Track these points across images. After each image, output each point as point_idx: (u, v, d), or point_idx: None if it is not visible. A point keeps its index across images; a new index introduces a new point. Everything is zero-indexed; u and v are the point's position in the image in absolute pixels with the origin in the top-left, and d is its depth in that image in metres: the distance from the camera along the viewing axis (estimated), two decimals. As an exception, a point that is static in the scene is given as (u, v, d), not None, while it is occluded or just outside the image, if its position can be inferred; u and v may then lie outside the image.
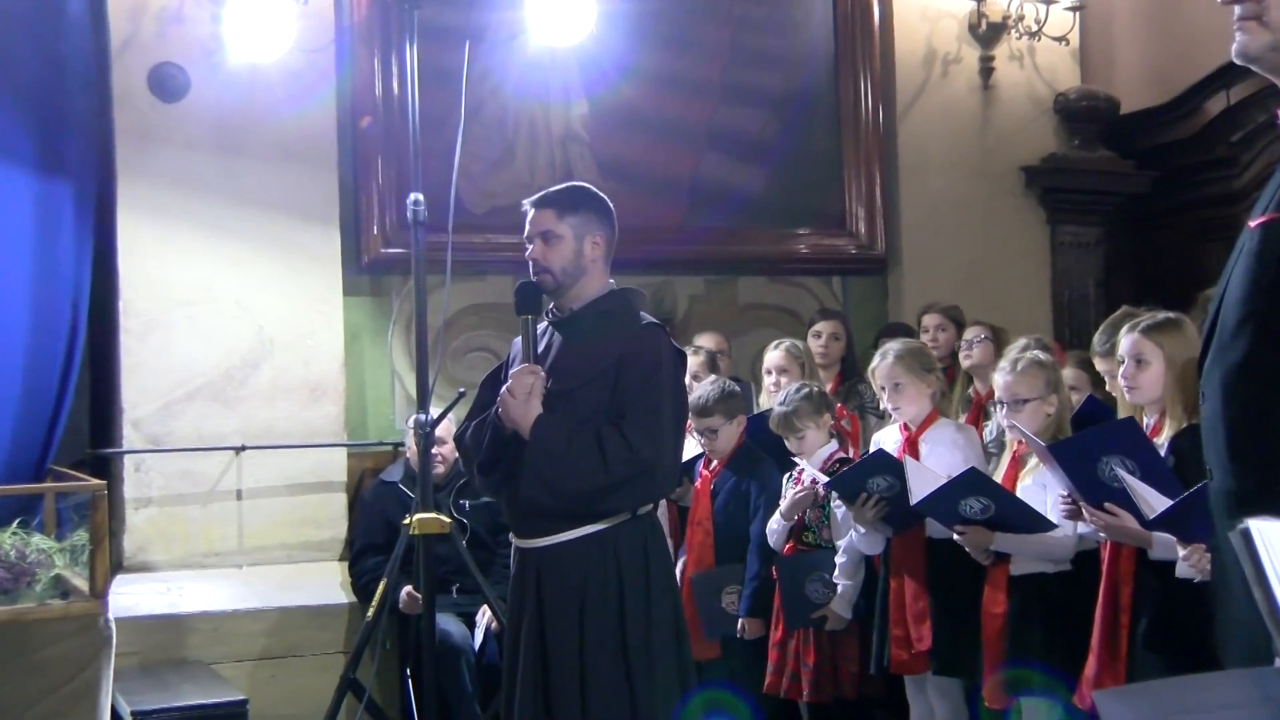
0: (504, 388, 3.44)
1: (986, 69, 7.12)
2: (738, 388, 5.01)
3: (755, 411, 5.23)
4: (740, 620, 4.73)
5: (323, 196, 5.96)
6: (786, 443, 4.66)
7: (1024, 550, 3.99)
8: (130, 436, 5.64)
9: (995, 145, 7.22)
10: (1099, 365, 4.29)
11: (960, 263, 7.05)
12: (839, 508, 4.53)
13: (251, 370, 5.82)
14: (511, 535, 3.68)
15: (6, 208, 5.30)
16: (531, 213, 3.57)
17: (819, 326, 5.84)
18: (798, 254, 7.02)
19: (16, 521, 4.67)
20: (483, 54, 6.23)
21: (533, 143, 6.61)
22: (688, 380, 5.28)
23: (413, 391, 5.83)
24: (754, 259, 6.94)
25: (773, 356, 5.28)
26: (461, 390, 4.58)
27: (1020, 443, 4.04)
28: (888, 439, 4.54)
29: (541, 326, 3.60)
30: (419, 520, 4.36)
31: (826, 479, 4.44)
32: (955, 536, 4.06)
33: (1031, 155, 7.26)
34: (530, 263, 3.54)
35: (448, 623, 5.16)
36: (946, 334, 5.67)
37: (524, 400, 3.37)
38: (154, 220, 5.70)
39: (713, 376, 5.13)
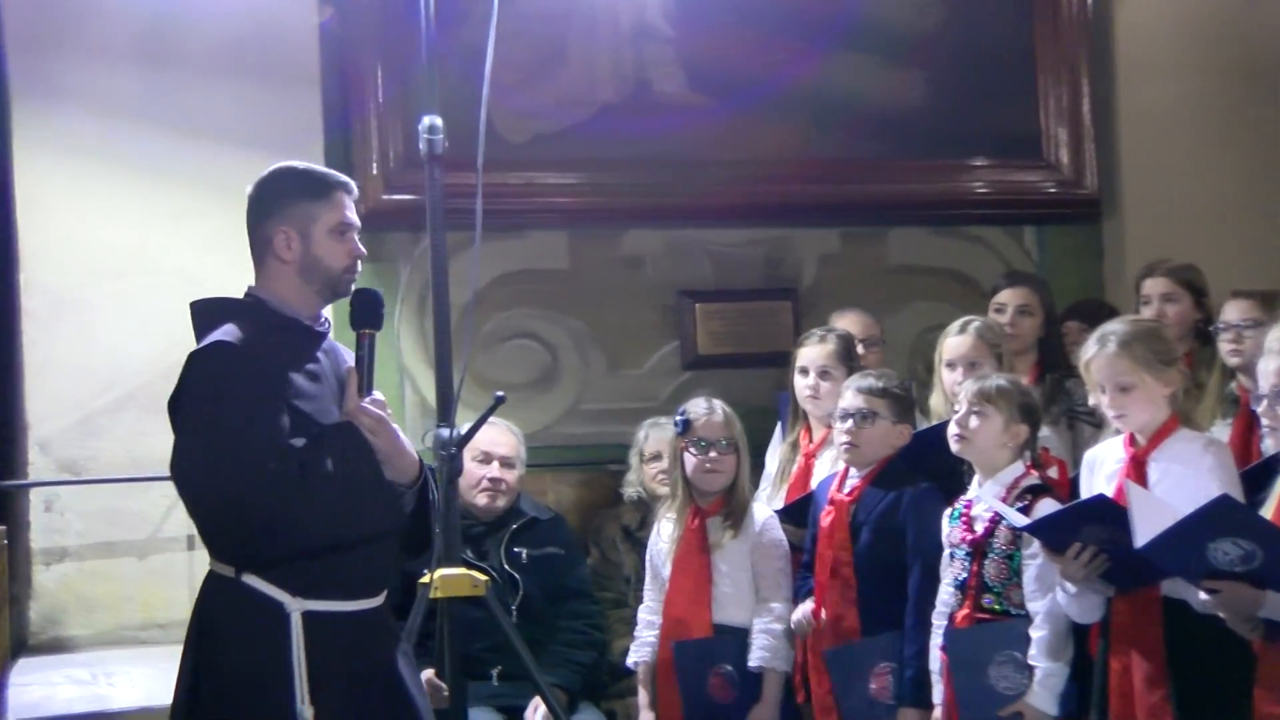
0: (356, 421, 3.79)
1: (1245, -80, 7.09)
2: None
3: (919, 426, 5.23)
4: (900, 713, 4.77)
5: (300, 123, 6.07)
6: (955, 443, 4.68)
7: (1311, 620, 3.94)
8: (37, 463, 5.77)
9: (1258, 33, 7.16)
10: None
11: (1205, 204, 7.03)
12: (1033, 558, 4.53)
13: (203, 368, 5.92)
14: (328, 604, 3.80)
15: None
16: (352, 198, 3.97)
17: (1003, 296, 5.80)
18: (973, 194, 7.03)
19: (-119, 585, 4.79)
20: (520, -86, 6.31)
21: (591, 42, 6.67)
22: (811, 379, 5.38)
23: (430, 395, 5.94)
24: (910, 203, 6.96)
25: (957, 343, 5.27)
26: (499, 395, 4.62)
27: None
28: (1107, 457, 4.53)
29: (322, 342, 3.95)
30: (442, 578, 4.40)
31: (1022, 519, 4.44)
32: (1203, 596, 4.02)
33: (1313, 46, 7.20)
34: (355, 261, 3.92)
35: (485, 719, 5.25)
36: (1178, 307, 5.54)
37: (393, 438, 3.84)
38: (64, 160, 5.84)
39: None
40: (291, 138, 6.00)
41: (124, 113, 5.86)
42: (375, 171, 6.22)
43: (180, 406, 3.81)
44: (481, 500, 5.61)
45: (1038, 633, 4.49)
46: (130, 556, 5.81)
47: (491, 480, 5.65)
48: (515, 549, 5.62)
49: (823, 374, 5.40)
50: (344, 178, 3.97)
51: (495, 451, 5.64)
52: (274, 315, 3.85)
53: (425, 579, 4.50)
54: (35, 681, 5.41)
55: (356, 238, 3.92)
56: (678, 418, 5.24)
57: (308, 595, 3.74)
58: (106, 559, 5.79)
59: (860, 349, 5.75)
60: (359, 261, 3.92)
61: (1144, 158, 7.09)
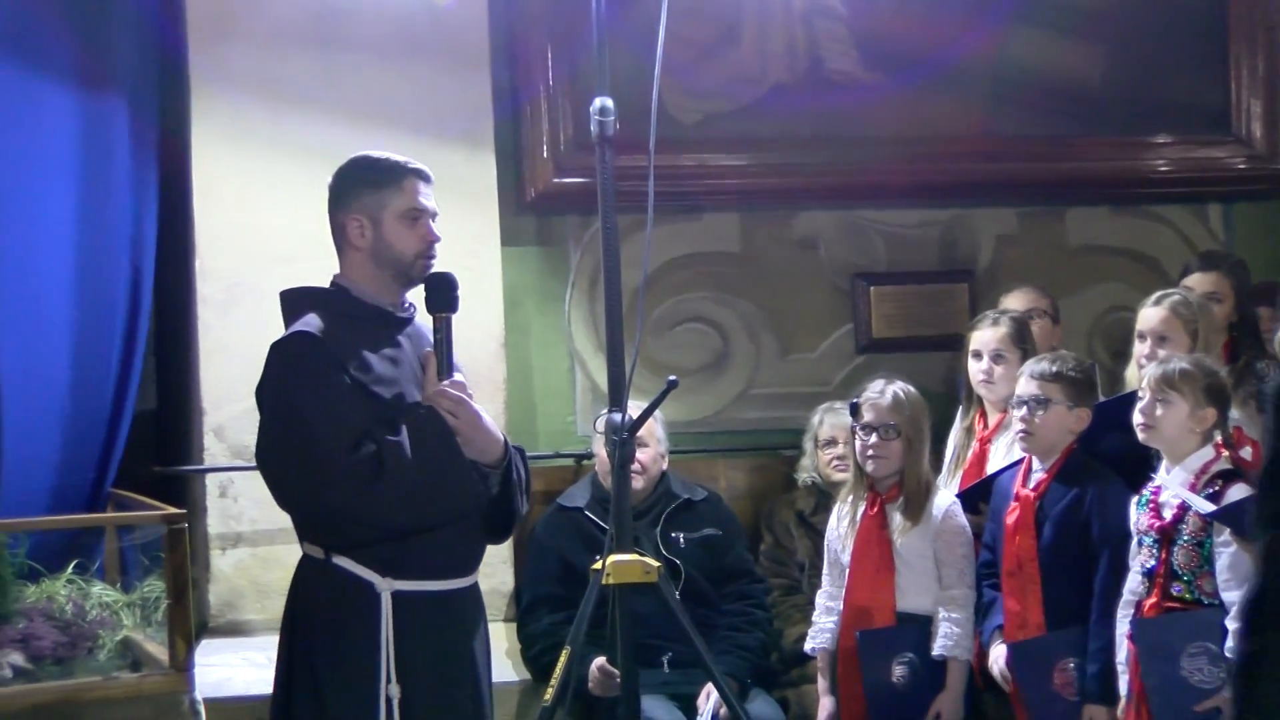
0: (435, 404, 3.94)
1: None
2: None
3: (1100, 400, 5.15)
4: (1085, 709, 4.72)
5: (469, 106, 6.08)
6: (1141, 433, 4.58)
7: None
8: (212, 448, 5.84)
9: None
10: None
11: None
12: (1226, 545, 4.44)
13: (375, 353, 5.98)
14: (417, 584, 3.95)
15: (40, 134, 5.49)
16: (427, 185, 4.14)
17: (1191, 281, 5.66)
18: (1156, 172, 6.91)
19: (71, 566, 4.88)
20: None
21: (763, 20, 6.62)
22: (984, 363, 5.34)
23: (600, 380, 5.95)
24: (1090, 180, 6.86)
25: (1149, 315, 5.19)
26: (672, 379, 4.59)
27: None
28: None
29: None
30: (615, 564, 4.39)
31: (1210, 506, 4.34)
32: None
33: None
34: (428, 246, 4.06)
35: (657, 708, 5.23)
36: (1373, 292, 5.47)
37: (475, 418, 3.98)
38: (238, 147, 5.89)
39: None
40: (461, 121, 6.05)
41: (296, 98, 5.91)
42: (545, 154, 6.23)
43: (263, 395, 4.01)
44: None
45: (1235, 624, 4.35)
46: (302, 543, 5.87)
47: (640, 466, 5.57)
48: (672, 534, 5.62)
49: (996, 357, 5.35)
50: (418, 164, 4.13)
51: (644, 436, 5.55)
52: (356, 303, 4.04)
53: (598, 565, 4.52)
54: (217, 663, 5.50)
55: (431, 223, 4.07)
56: (853, 400, 5.21)
57: (397, 575, 3.90)
58: (279, 545, 5.83)
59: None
60: (433, 246, 4.06)
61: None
